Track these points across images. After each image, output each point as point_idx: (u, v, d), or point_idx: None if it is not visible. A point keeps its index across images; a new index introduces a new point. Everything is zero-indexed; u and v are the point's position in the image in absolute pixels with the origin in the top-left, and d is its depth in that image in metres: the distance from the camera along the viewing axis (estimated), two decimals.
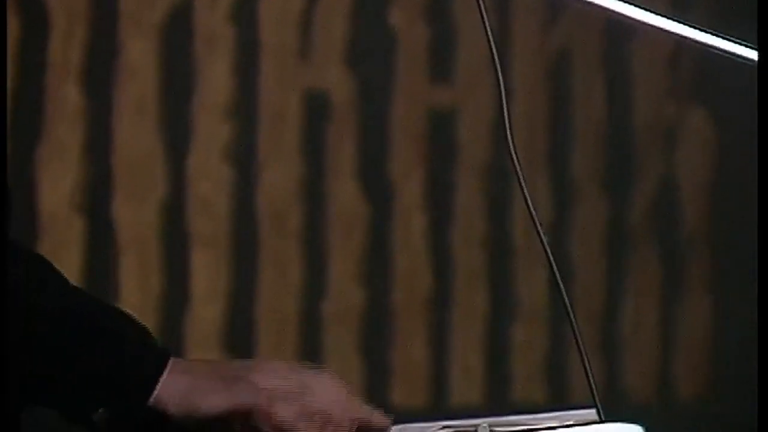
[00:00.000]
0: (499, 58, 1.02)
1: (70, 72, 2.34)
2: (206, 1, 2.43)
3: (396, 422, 1.08)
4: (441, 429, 1.05)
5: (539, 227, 1.01)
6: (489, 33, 1.06)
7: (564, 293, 1.06)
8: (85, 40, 2.35)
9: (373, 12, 2.55)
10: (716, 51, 1.05)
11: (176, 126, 2.41)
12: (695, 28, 1.05)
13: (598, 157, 2.77)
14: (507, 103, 1.05)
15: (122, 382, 0.97)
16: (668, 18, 1.05)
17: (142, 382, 0.96)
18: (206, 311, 2.41)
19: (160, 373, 0.96)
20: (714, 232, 2.84)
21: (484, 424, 1.03)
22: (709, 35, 1.05)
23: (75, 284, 1.12)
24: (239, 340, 2.45)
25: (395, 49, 2.58)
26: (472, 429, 1.03)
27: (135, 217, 2.38)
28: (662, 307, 2.84)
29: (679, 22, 1.05)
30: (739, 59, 1.05)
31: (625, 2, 1.04)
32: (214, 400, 0.96)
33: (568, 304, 1.05)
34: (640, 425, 0.99)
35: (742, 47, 1.04)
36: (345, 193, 2.54)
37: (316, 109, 2.52)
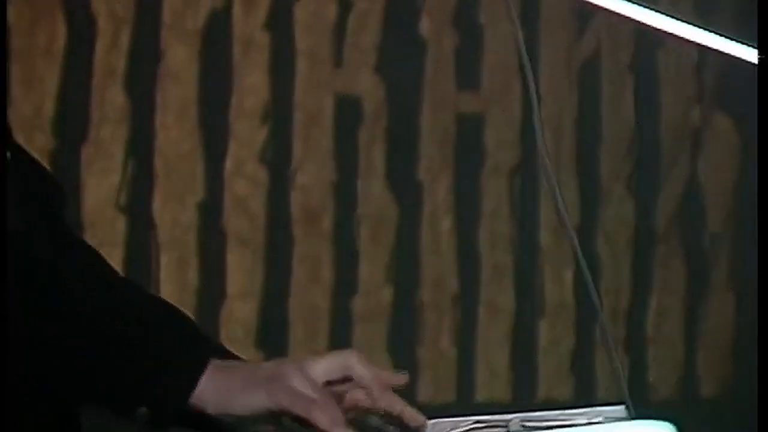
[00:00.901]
0: (524, 66, 1.02)
1: (115, 76, 2.36)
2: (243, 8, 2.44)
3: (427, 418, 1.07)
4: (473, 424, 1.04)
5: (569, 227, 1.00)
6: (521, 40, 1.05)
7: (593, 290, 1.05)
8: (129, 45, 2.36)
9: (403, 21, 2.55)
10: (738, 59, 1.04)
11: (214, 128, 2.42)
12: (719, 35, 1.05)
13: (625, 159, 2.76)
14: (536, 108, 1.05)
15: (164, 382, 0.97)
16: (693, 25, 1.04)
17: (182, 383, 0.97)
18: (241, 307, 2.42)
19: (200, 375, 0.96)
20: (736, 233, 2.83)
21: (516, 420, 1.03)
22: (732, 43, 1.04)
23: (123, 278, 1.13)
24: (272, 335, 2.46)
25: (424, 56, 2.57)
26: (503, 424, 1.02)
27: (174, 216, 2.39)
28: (686, 306, 2.82)
29: (703, 29, 1.04)
30: (758, 65, 1.04)
31: (652, 12, 1.03)
32: (249, 402, 0.96)
33: (597, 303, 1.05)
34: (670, 423, 0.97)
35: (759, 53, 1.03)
36: (375, 195, 2.54)
37: (347, 113, 2.52)
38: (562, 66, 2.69)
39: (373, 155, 2.53)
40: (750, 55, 1.05)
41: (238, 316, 2.41)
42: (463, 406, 2.52)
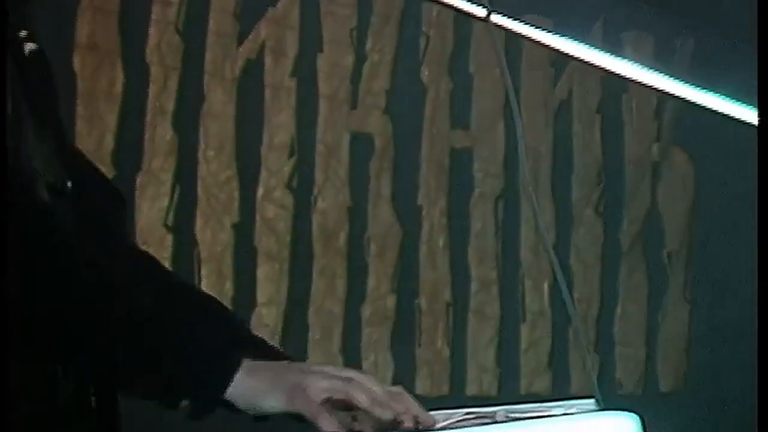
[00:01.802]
0: (511, 107, 0.98)
1: (165, 115, 2.34)
2: (273, 59, 2.44)
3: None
4: (464, 415, 1.00)
5: (548, 245, 0.97)
6: (509, 86, 1.02)
7: (568, 298, 1.01)
8: (176, 89, 2.36)
9: (407, 70, 2.56)
10: (694, 104, 1.01)
11: (248, 160, 2.41)
12: (676, 80, 1.01)
13: (594, 188, 2.75)
14: (521, 142, 1.02)
15: (203, 381, 0.98)
16: (654, 71, 1.01)
17: (218, 382, 0.98)
18: (268, 313, 2.41)
19: (233, 376, 0.97)
20: (690, 251, 2.83)
21: (501, 411, 0.98)
22: (687, 87, 1.01)
23: (179, 279, 1.11)
24: (295, 337, 2.43)
25: (424, 99, 2.57)
26: (491, 415, 0.98)
27: (213, 235, 2.38)
28: (647, 313, 2.82)
29: (664, 74, 1.01)
30: (713, 110, 1.01)
31: (617, 60, 1.00)
32: (272, 403, 0.98)
33: (572, 309, 1.01)
34: (633, 413, 0.93)
35: (716, 99, 1.00)
36: (382, 217, 2.53)
37: (361, 148, 2.52)
38: (540, 108, 2.72)
39: (381, 184, 2.52)
40: (702, 98, 1.01)
41: (266, 321, 2.39)
42: (455, 399, 2.51)
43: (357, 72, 2.50)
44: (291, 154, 2.43)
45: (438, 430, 0.98)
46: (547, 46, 0.99)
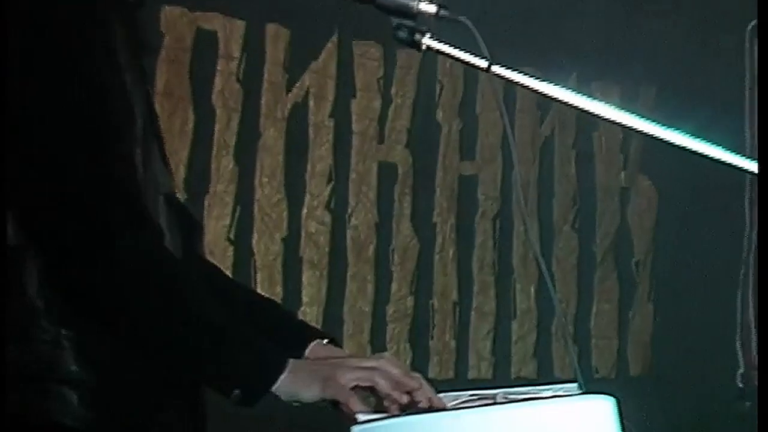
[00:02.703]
0: (508, 142, 0.97)
1: (228, 149, 2.34)
2: (316, 103, 2.45)
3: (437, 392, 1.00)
4: (469, 397, 0.97)
5: (539, 254, 0.95)
6: (507, 124, 1.00)
7: (556, 299, 0.98)
8: (237, 127, 2.35)
9: (425, 111, 2.57)
10: (656, 138, 0.97)
11: (295, 186, 2.40)
12: (640, 117, 0.98)
13: (570, 209, 2.72)
14: (517, 172, 1.00)
15: (254, 375, 0.98)
16: (621, 110, 0.98)
17: (267, 378, 0.98)
18: (311, 311, 2.40)
19: (281, 374, 0.97)
20: (655, 260, 2.79)
21: (501, 393, 0.96)
22: (650, 123, 0.98)
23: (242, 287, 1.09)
24: (332, 331, 2.39)
25: (438, 136, 2.55)
26: (492, 396, 0.96)
27: (266, 247, 2.38)
28: (618, 311, 2.78)
29: (629, 112, 0.98)
30: (672, 144, 0.98)
31: (589, 100, 0.97)
32: (310, 394, 0.98)
33: (558, 306, 0.98)
34: (609, 395, 0.90)
35: (675, 134, 0.97)
36: (403, 233, 2.51)
37: (387, 176, 2.50)
38: (529, 143, 2.68)
39: (403, 205, 2.51)
40: (663, 133, 0.98)
41: (309, 318, 2.37)
42: (460, 382, 2.48)
43: (383, 113, 2.50)
44: (329, 181, 2.43)
45: (448, 410, 0.96)
46: (536, 90, 0.97)
